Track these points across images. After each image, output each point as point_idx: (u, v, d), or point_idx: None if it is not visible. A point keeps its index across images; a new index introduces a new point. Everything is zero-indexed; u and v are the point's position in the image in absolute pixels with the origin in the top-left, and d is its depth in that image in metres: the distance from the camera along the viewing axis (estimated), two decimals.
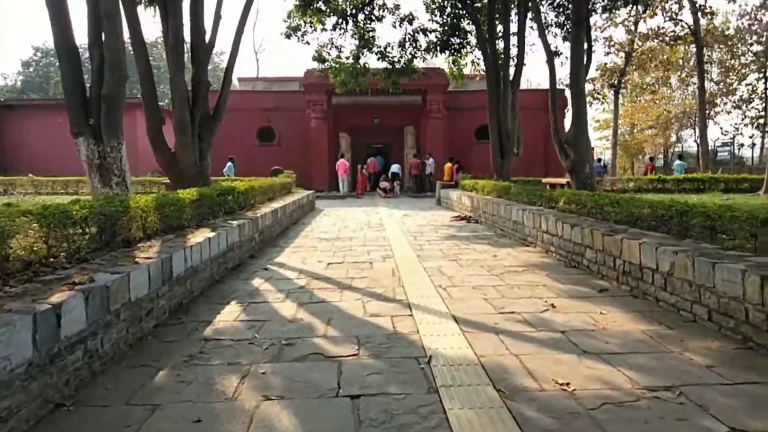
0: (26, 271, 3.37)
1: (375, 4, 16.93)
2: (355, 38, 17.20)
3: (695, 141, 35.09)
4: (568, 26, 16.07)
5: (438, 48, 17.51)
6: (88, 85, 6.46)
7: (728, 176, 18.26)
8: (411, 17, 17.37)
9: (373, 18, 17.05)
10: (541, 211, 8.17)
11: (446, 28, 17.12)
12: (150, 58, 8.79)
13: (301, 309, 4.56)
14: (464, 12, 16.57)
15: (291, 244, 8.72)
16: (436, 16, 17.21)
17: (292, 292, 5.21)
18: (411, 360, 3.32)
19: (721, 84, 35.00)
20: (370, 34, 17.17)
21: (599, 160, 26.61)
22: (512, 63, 15.70)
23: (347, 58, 17.46)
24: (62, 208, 3.83)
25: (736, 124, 34.51)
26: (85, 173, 6.42)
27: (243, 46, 10.44)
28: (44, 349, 2.59)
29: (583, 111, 11.58)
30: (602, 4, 15.49)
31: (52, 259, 3.73)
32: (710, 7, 24.82)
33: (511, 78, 15.28)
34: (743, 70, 33.44)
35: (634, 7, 20.56)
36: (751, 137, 34.85)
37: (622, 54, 31.18)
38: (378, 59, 17.43)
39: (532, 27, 16.97)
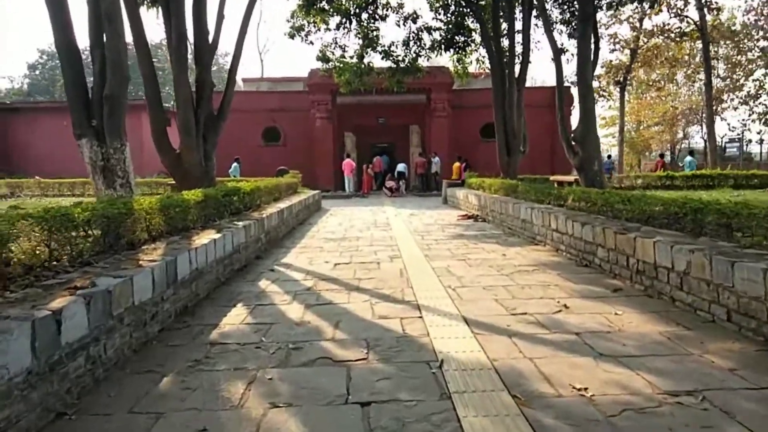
0: (27, 275, 3.29)
1: (379, 3, 16.83)
2: (359, 37, 17.12)
3: (702, 137, 34.86)
4: (573, 23, 15.94)
5: (442, 46, 17.40)
6: (90, 87, 6.41)
7: (738, 172, 18.02)
8: (415, 16, 17.28)
9: (377, 17, 16.96)
10: (550, 209, 8.06)
11: (450, 26, 17.01)
12: (155, 60, 8.75)
13: (308, 311, 4.47)
14: (468, 10, 16.46)
15: (297, 244, 8.64)
16: (440, 14, 17.11)
17: (299, 293, 5.12)
18: (422, 364, 3.22)
19: (728, 80, 34.70)
20: (374, 33, 17.09)
21: (609, 156, 26.38)
22: (517, 60, 15.59)
23: (351, 57, 17.39)
24: (64, 211, 3.75)
25: (743, 120, 34.23)
26: (89, 175, 6.36)
27: (247, 47, 10.39)
28: (44, 356, 2.51)
29: (591, 108, 11.45)
30: (607, 1, 15.34)
31: (54, 263, 3.66)
32: (716, 2, 24.58)
33: (516, 75, 15.17)
34: (750, 66, 33.15)
35: (641, 4, 20.38)
36: (759, 133, 34.56)
37: (627, 51, 30.98)
38: (382, 58, 17.36)
39: (536, 24, 16.89)
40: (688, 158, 21.81)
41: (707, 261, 3.98)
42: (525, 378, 2.98)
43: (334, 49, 17.35)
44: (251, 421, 2.54)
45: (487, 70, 17.42)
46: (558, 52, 13.29)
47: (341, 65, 17.32)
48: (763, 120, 33.06)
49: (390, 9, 17.04)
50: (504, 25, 15.57)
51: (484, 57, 17.71)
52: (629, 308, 4.35)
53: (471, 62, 19.02)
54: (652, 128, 41.29)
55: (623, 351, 3.37)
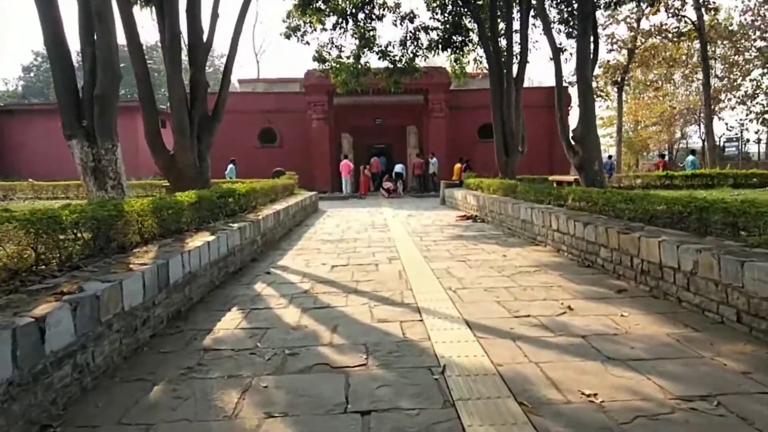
0: (12, 280, 3.16)
1: (375, 3, 16.70)
2: (356, 37, 16.98)
3: (700, 137, 34.83)
4: (572, 22, 15.86)
5: (440, 46, 17.28)
6: (81, 86, 6.27)
7: (737, 172, 17.96)
8: (412, 15, 17.16)
9: (374, 17, 16.83)
10: (551, 209, 7.95)
11: (448, 26, 16.90)
12: (150, 61, 8.63)
13: (305, 315, 4.34)
14: (466, 10, 16.35)
15: (294, 246, 8.50)
16: (437, 14, 17.00)
17: (295, 296, 4.99)
18: (423, 370, 3.10)
19: (725, 80, 34.73)
20: (371, 33, 16.96)
21: (610, 157, 26.27)
22: (515, 60, 15.49)
23: (348, 57, 17.25)
24: (51, 213, 3.61)
25: (740, 119, 34.20)
26: (80, 176, 6.22)
27: (243, 48, 10.29)
28: (26, 366, 2.38)
29: (591, 107, 11.36)
30: (605, 0, 15.26)
31: (42, 267, 3.53)
32: (713, 2, 24.51)
33: (514, 75, 15.07)
34: (747, 66, 33.18)
35: (639, 4, 20.30)
36: (756, 132, 34.59)
37: (624, 51, 30.95)
38: (379, 58, 17.21)
39: (534, 24, 16.81)
40: (690, 158, 21.71)
41: (715, 261, 3.87)
42: (531, 384, 2.86)
43: (331, 49, 17.23)
44: None
45: (485, 71, 17.32)
46: (557, 52, 13.18)
47: (338, 66, 17.19)
48: (760, 119, 33.06)
49: (387, 9, 16.93)
50: (501, 25, 15.47)
51: (481, 57, 17.59)
52: (635, 309, 4.24)
53: (468, 62, 18.92)
54: (649, 128, 41.31)
55: (631, 354, 3.25)
